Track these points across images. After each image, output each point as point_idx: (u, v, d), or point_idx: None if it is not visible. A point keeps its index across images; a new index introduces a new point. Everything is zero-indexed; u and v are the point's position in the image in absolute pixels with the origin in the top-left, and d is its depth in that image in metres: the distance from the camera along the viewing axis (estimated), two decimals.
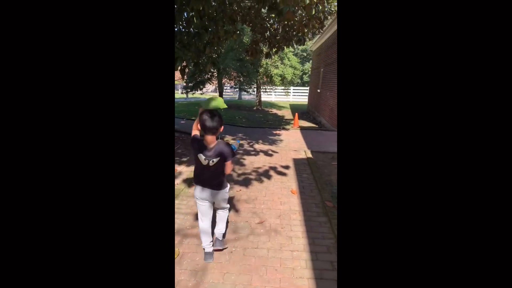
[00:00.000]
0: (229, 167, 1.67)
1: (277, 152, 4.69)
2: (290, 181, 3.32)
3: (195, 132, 1.67)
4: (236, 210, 2.53)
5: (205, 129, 1.55)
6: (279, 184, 3.22)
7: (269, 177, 3.45)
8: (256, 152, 4.66)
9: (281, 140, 5.78)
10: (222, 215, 1.89)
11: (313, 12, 3.38)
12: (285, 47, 4.72)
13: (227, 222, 2.14)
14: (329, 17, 4.50)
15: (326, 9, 4.00)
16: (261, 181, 3.30)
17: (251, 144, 5.31)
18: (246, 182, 3.22)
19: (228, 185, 1.83)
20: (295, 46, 4.71)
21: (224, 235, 1.95)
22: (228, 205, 1.90)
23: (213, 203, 1.80)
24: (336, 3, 4.49)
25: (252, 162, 4.04)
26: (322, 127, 8.23)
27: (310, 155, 4.50)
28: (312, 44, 12.12)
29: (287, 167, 3.85)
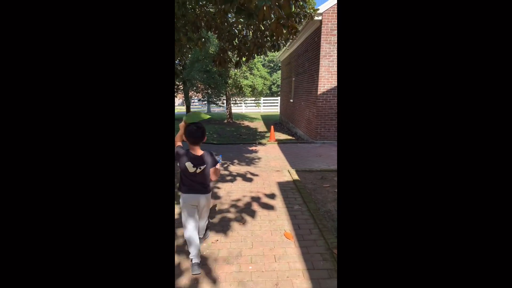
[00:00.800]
0: (216, 172, 1.82)
1: (257, 175, 4.00)
2: (281, 218, 2.63)
3: (178, 143, 1.81)
4: (213, 280, 1.76)
5: (191, 140, 1.74)
6: (267, 224, 2.51)
7: (252, 214, 2.72)
8: (233, 177, 3.92)
9: (259, 158, 5.12)
10: (196, 236, 1.83)
11: (292, 9, 2.85)
12: (256, 55, 4.14)
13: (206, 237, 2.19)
14: (303, 21, 4.04)
15: (304, 9, 3.51)
16: (243, 221, 2.56)
17: (226, 165, 4.56)
18: (224, 226, 2.46)
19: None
20: (268, 53, 4.16)
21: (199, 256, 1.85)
22: (207, 216, 2.03)
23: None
24: (312, 5, 4.08)
25: (229, 193, 3.29)
26: (299, 138, 7.77)
27: (296, 176, 3.88)
28: (280, 54, 11.87)
29: (272, 196, 3.16)
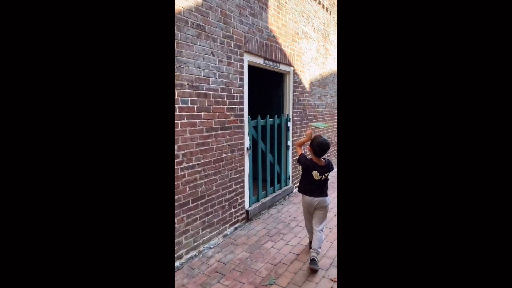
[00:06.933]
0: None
1: None
2: None
3: (300, 150, 2.21)
4: None
5: (317, 153, 2.09)
6: None
7: None
8: None
9: None
10: (319, 235, 2.10)
11: None
12: None
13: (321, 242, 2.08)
14: None
15: None
16: None
17: None
18: None
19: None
20: None
21: (318, 253, 2.03)
22: (324, 224, 2.15)
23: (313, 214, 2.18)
24: None
25: None
26: None
27: None
28: None
29: None
